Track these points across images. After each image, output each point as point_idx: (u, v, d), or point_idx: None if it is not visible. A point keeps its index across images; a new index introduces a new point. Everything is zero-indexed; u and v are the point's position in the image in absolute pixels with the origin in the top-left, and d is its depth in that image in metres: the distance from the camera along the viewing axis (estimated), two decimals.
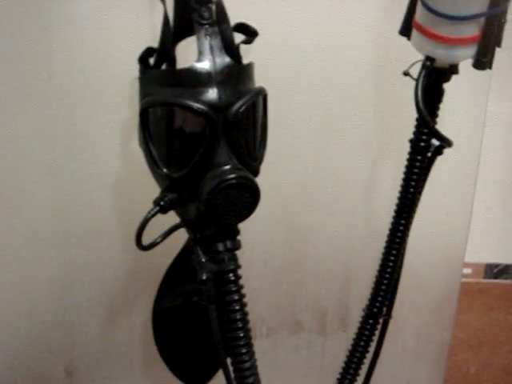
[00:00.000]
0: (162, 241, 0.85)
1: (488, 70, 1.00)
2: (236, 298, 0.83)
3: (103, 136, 1.07)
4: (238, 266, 0.84)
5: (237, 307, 0.83)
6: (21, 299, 1.15)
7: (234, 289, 0.83)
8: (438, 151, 0.93)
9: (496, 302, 1.43)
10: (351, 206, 1.19)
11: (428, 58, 0.84)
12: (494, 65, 0.99)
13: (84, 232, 1.13)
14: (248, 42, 0.85)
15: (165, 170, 0.80)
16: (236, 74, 0.79)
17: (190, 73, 0.76)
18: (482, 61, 0.83)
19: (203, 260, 0.82)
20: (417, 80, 0.85)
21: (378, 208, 1.18)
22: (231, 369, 0.86)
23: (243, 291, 0.84)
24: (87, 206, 1.12)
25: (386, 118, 1.13)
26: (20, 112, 1.04)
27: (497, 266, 1.40)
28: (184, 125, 0.79)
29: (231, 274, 0.83)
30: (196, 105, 0.75)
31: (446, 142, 0.88)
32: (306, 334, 1.24)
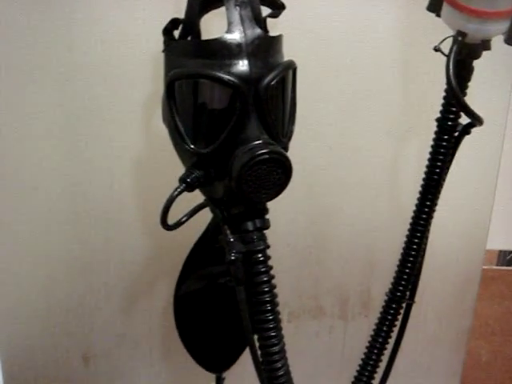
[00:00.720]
0: (187, 220, 0.82)
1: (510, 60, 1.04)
2: (265, 279, 0.79)
3: (124, 112, 1.04)
4: (268, 246, 0.80)
5: (266, 289, 0.79)
6: (36, 282, 1.13)
7: (263, 269, 0.79)
8: (466, 131, 0.90)
9: (508, 290, 1.39)
10: (375, 187, 1.17)
11: (459, 33, 0.81)
12: None
13: (103, 212, 1.10)
14: (275, 15, 0.82)
15: (192, 146, 0.76)
16: (266, 46, 0.75)
17: (220, 44, 0.72)
18: None
19: (231, 240, 0.78)
20: (448, 56, 0.81)
21: (403, 189, 1.15)
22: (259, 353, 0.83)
23: (272, 272, 0.81)
24: (107, 185, 1.09)
25: (412, 97, 1.11)
26: (38, 87, 1.01)
27: (510, 252, 1.36)
28: (213, 98, 0.76)
29: (260, 254, 0.79)
30: (226, 77, 0.72)
31: (477, 120, 0.84)
32: (328, 319, 1.22)
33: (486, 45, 0.83)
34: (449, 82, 0.81)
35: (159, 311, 1.17)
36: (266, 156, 0.72)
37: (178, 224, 0.81)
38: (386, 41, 1.07)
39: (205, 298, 0.96)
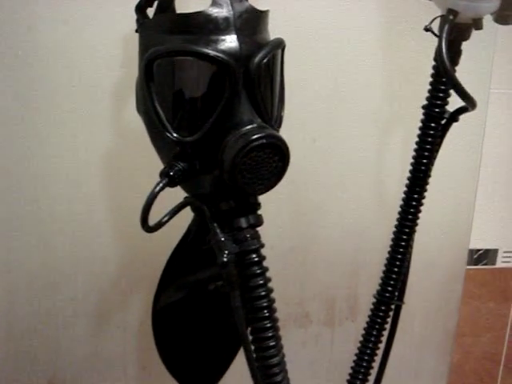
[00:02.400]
0: (169, 220, 0.73)
1: (490, 51, 1.09)
2: (261, 282, 0.72)
3: (91, 102, 0.96)
4: (262, 245, 0.73)
5: (263, 293, 0.72)
6: None
7: (258, 271, 0.72)
8: (454, 118, 0.87)
9: (477, 289, 1.34)
10: (360, 181, 1.13)
11: (450, 12, 0.77)
12: (497, 45, 1.07)
13: (69, 218, 1.02)
14: None
15: (175, 135, 0.68)
16: (255, 21, 0.69)
17: (205, 18, 0.65)
18: (506, 14, 0.80)
19: (223, 239, 0.70)
20: (440, 35, 0.77)
21: (388, 182, 1.13)
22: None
23: (268, 274, 0.73)
24: (73, 186, 1.00)
25: (395, 85, 1.08)
26: None
27: (477, 251, 1.31)
28: (198, 78, 0.67)
29: (255, 255, 0.71)
30: (214, 53, 0.64)
31: (470, 102, 0.80)
32: (315, 327, 1.17)
33: (477, 24, 0.81)
34: (442, 63, 0.77)
35: (134, 327, 1.09)
36: (263, 141, 0.65)
37: (159, 225, 0.72)
38: (368, 28, 1.04)
39: (188, 309, 0.86)
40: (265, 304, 0.71)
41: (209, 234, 0.74)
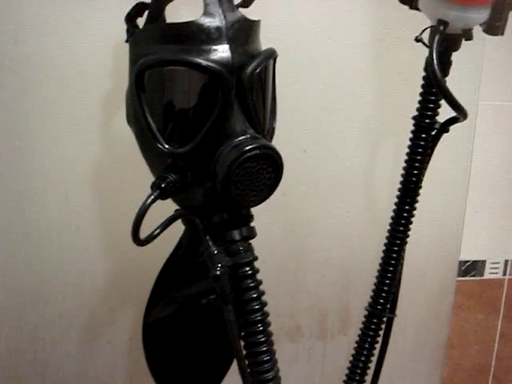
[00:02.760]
0: (160, 233, 0.71)
1: (478, 63, 1.10)
2: (255, 295, 0.70)
3: (79, 114, 0.93)
4: (256, 258, 0.71)
5: (256, 306, 0.70)
6: None
7: (252, 285, 0.70)
8: (444, 128, 0.86)
9: (465, 301, 1.33)
10: (351, 192, 1.12)
11: (440, 22, 0.78)
12: (486, 58, 1.08)
13: (57, 231, 0.99)
14: (246, 5, 0.74)
15: (166, 146, 0.66)
16: (247, 31, 0.68)
17: (197, 27, 0.64)
18: (496, 25, 0.78)
19: (215, 252, 0.68)
20: (430, 46, 0.78)
21: (379, 194, 1.12)
22: None
23: (262, 288, 0.72)
24: (61, 198, 0.98)
25: (386, 96, 1.08)
26: None
27: (465, 262, 1.30)
28: (191, 88, 0.66)
29: (248, 268, 0.70)
30: (207, 63, 0.63)
31: (461, 113, 0.80)
32: (307, 341, 1.16)
33: (467, 34, 0.81)
34: (433, 74, 0.77)
35: (124, 344, 1.06)
36: (257, 151, 0.64)
37: (151, 238, 0.70)
38: (359, 39, 1.04)
39: (179, 324, 0.84)
40: (258, 318, 0.70)
41: (200, 246, 0.72)
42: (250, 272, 0.69)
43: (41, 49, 0.90)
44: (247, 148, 0.63)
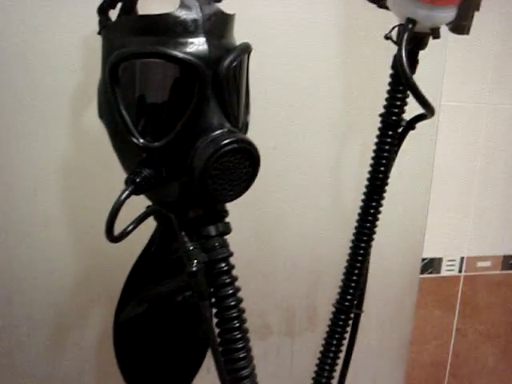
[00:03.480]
0: (133, 229, 0.69)
1: (440, 64, 1.11)
2: (231, 291, 0.69)
3: (48, 108, 0.90)
4: (231, 254, 0.71)
5: (232, 303, 0.69)
6: None
7: (227, 281, 0.69)
8: (411, 126, 0.87)
9: (423, 298, 1.35)
10: (319, 189, 1.11)
11: (409, 21, 0.78)
12: (448, 58, 1.09)
13: (25, 227, 0.96)
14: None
15: (141, 140, 0.65)
16: (223, 24, 0.67)
17: (174, 19, 0.62)
18: (462, 24, 0.80)
19: (191, 248, 0.67)
20: (399, 44, 0.78)
21: (346, 190, 1.12)
22: None
23: (237, 284, 0.71)
24: (29, 194, 0.94)
25: (353, 93, 1.08)
26: None
27: (424, 260, 1.33)
28: (167, 81, 0.65)
29: (224, 264, 0.69)
30: (184, 55, 0.61)
31: (429, 110, 0.81)
32: (275, 339, 1.14)
33: (435, 33, 0.81)
34: (403, 71, 0.78)
35: (93, 345, 1.03)
36: (234, 145, 0.63)
37: (124, 234, 0.68)
38: (327, 36, 1.04)
39: (151, 322, 0.82)
40: (235, 314, 0.69)
41: (173, 243, 0.71)
42: (225, 268, 0.68)
43: (9, 40, 0.86)
44: (225, 142, 0.62)
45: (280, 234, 1.11)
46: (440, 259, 1.29)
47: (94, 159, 0.87)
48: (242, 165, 0.64)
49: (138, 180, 0.64)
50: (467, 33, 0.81)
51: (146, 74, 0.64)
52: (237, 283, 0.70)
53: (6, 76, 0.87)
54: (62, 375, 1.04)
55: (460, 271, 1.32)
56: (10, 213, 0.95)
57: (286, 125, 1.05)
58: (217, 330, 0.69)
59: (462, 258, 1.31)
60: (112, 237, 0.66)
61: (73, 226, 0.96)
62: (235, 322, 0.69)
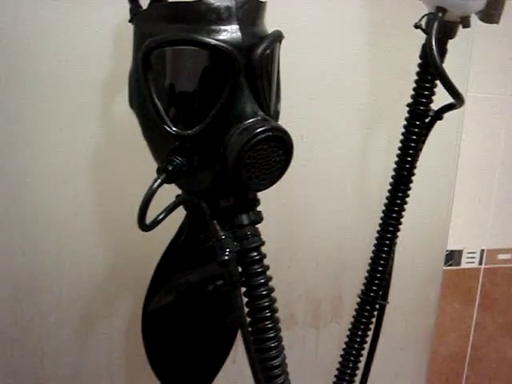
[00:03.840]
0: (164, 217, 0.68)
1: (467, 55, 1.10)
2: (262, 280, 0.68)
3: (77, 97, 0.88)
4: (263, 243, 0.70)
5: (264, 292, 0.68)
6: None
7: (259, 270, 0.68)
8: (438, 116, 0.86)
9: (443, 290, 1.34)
10: (345, 178, 1.10)
11: (439, 9, 0.77)
12: (474, 49, 1.07)
13: (54, 218, 0.94)
14: None
15: (174, 129, 0.64)
16: (255, 12, 0.66)
17: (206, 7, 0.61)
18: (492, 13, 0.79)
19: (223, 237, 0.66)
20: (429, 32, 0.77)
21: (372, 181, 1.10)
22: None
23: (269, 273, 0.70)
24: (58, 183, 0.93)
25: (381, 83, 1.06)
26: None
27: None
28: (200, 69, 0.63)
29: (256, 253, 0.68)
30: (217, 42, 0.60)
31: (459, 99, 0.80)
32: (300, 329, 1.14)
33: (464, 22, 0.81)
34: (433, 59, 0.77)
35: (121, 334, 1.03)
36: (269, 133, 0.62)
37: (155, 223, 0.67)
38: (354, 27, 1.02)
39: (180, 312, 0.81)
40: (266, 304, 0.68)
41: (203, 232, 0.70)
42: (257, 257, 0.68)
43: (39, 28, 0.85)
44: (259, 130, 0.61)
45: (305, 223, 1.10)
46: (460, 251, 1.28)
47: (123, 149, 0.86)
48: (276, 153, 0.63)
49: (170, 168, 0.64)
50: (497, 22, 0.80)
51: (179, 62, 0.64)
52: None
53: (34, 63, 0.86)
54: (90, 364, 1.04)
55: (480, 263, 1.31)
56: (39, 203, 0.94)
57: (314, 114, 1.04)
58: (248, 320, 0.68)
59: (483, 251, 1.30)
60: (144, 225, 0.65)
61: (102, 215, 0.96)
62: (267, 311, 0.68)
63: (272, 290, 0.69)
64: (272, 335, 0.68)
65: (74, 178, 0.93)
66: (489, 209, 1.26)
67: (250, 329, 0.68)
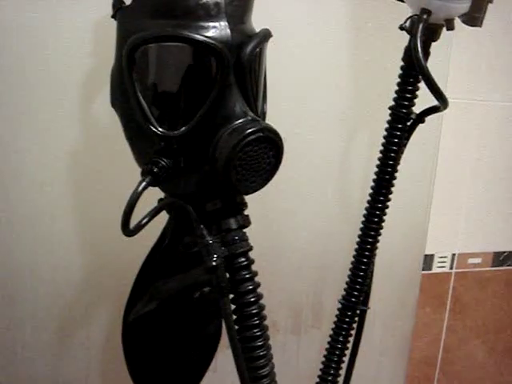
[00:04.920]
0: (148, 222, 0.64)
1: (445, 59, 1.09)
2: (250, 287, 0.66)
3: (56, 96, 0.84)
4: (251, 248, 0.67)
5: (252, 299, 0.66)
6: None
7: (247, 276, 0.66)
8: (420, 119, 0.85)
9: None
10: (326, 182, 1.08)
11: (424, 11, 0.77)
12: (452, 54, 1.07)
13: (29, 221, 0.90)
14: None
15: (160, 129, 0.61)
16: (244, 9, 0.63)
17: (195, 2, 0.59)
18: (475, 16, 0.79)
19: (211, 241, 0.63)
20: (414, 34, 0.76)
21: (353, 183, 1.08)
22: None
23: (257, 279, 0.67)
24: (35, 187, 0.89)
25: (362, 86, 1.04)
26: None
27: None
28: (188, 67, 0.61)
29: (244, 258, 0.66)
30: (208, 40, 0.58)
31: (444, 101, 0.79)
32: (281, 336, 1.12)
33: (449, 24, 0.80)
34: (418, 61, 0.76)
35: (99, 345, 0.98)
36: (260, 134, 0.60)
37: (139, 227, 0.63)
38: (335, 28, 1.00)
39: (163, 320, 0.78)
40: (254, 311, 0.66)
41: (186, 237, 0.67)
42: (245, 263, 0.65)
43: (19, 21, 0.81)
44: (250, 131, 0.58)
45: (286, 228, 1.08)
46: (432, 256, 1.27)
47: (103, 150, 0.82)
48: (266, 155, 0.61)
49: (155, 170, 0.60)
50: (480, 25, 0.80)
51: (166, 59, 0.61)
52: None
53: (14, 59, 0.82)
54: (67, 375, 1.00)
55: (451, 268, 1.30)
56: (14, 205, 0.89)
57: (296, 117, 1.02)
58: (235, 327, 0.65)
59: (454, 255, 1.29)
60: (128, 230, 0.61)
61: (80, 219, 0.92)
62: (255, 318, 0.65)
63: (260, 296, 0.67)
64: (260, 343, 0.66)
65: (51, 179, 0.88)
66: (460, 213, 1.26)
67: (237, 337, 0.65)
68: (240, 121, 0.60)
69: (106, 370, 1.01)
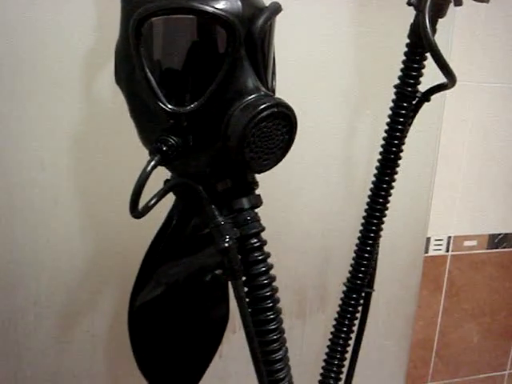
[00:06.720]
0: (156, 203, 0.61)
1: (448, 42, 1.06)
2: (263, 269, 0.64)
3: (57, 74, 0.80)
4: (263, 229, 0.64)
5: (265, 281, 0.64)
6: None
7: (260, 257, 0.63)
8: (426, 97, 0.83)
9: None
10: (330, 162, 1.05)
11: None
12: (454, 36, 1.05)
13: (30, 206, 0.86)
14: None
15: (169, 106, 0.57)
16: None
17: None
18: None
19: (222, 222, 0.60)
20: (422, 9, 0.74)
21: (357, 165, 1.06)
22: None
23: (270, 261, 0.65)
24: (36, 168, 0.86)
25: (367, 64, 1.02)
26: None
27: None
28: (198, 40, 0.57)
29: (256, 239, 0.63)
30: (219, 12, 0.54)
31: (451, 78, 0.76)
32: (287, 320, 1.06)
33: (457, 1, 0.77)
34: (426, 36, 0.74)
35: (104, 333, 0.95)
36: (274, 109, 0.56)
37: (147, 209, 0.60)
38: (340, 6, 0.98)
39: (169, 306, 0.75)
40: (268, 293, 0.63)
41: (194, 219, 0.64)
42: (257, 244, 0.63)
43: (17, 1, 0.76)
44: (263, 106, 0.55)
45: (290, 210, 1.06)
46: (428, 239, 1.26)
47: (107, 131, 0.78)
48: (280, 131, 0.58)
49: (164, 149, 0.57)
50: (487, 1, 0.79)
51: (175, 33, 0.57)
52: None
53: (8, 34, 0.78)
54: (71, 364, 0.97)
55: (447, 250, 1.29)
56: (13, 189, 0.86)
57: (299, 96, 1.00)
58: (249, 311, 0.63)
59: (450, 238, 1.28)
60: (136, 212, 0.58)
61: (83, 203, 0.88)
62: (268, 301, 0.63)
63: (273, 278, 0.65)
64: (274, 327, 0.64)
65: (53, 163, 0.85)
66: (455, 196, 1.25)
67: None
68: (252, 96, 0.57)
69: (112, 356, 0.99)
